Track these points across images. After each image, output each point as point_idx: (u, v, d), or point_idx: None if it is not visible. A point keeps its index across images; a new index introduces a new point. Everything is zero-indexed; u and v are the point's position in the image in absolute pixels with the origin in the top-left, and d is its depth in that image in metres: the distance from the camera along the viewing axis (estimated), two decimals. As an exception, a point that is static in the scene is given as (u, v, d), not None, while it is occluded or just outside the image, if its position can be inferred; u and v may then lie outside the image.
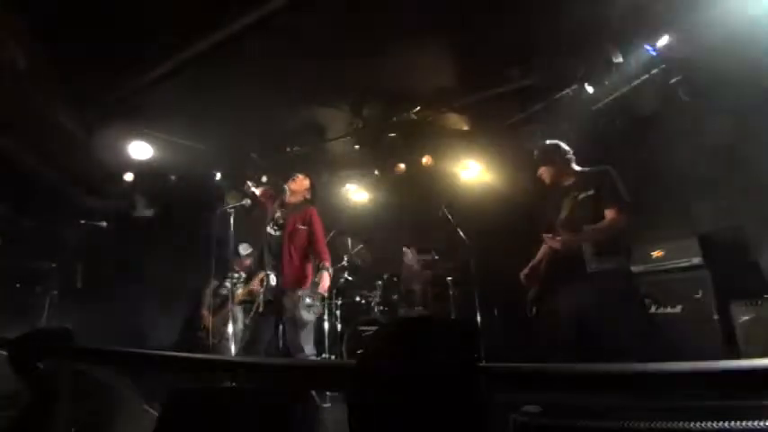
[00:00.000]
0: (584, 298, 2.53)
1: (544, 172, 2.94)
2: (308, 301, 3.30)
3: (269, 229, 3.61)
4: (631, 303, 2.62)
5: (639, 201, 2.61)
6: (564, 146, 2.94)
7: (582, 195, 2.71)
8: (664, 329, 3.24)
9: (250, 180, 4.13)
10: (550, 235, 2.68)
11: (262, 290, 3.41)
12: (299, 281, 3.45)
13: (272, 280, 3.41)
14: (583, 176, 2.83)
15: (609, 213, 2.57)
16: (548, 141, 3.03)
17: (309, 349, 3.31)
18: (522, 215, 4.13)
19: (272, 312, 3.38)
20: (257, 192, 3.96)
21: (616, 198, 2.59)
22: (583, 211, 2.64)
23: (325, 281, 3.45)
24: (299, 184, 3.70)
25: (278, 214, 3.64)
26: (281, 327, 3.41)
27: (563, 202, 2.84)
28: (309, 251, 3.61)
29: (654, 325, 3.13)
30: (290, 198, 3.69)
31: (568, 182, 2.86)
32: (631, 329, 2.43)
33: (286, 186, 3.67)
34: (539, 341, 2.90)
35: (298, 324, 3.26)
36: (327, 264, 3.54)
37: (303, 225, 3.60)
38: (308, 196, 3.78)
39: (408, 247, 5.34)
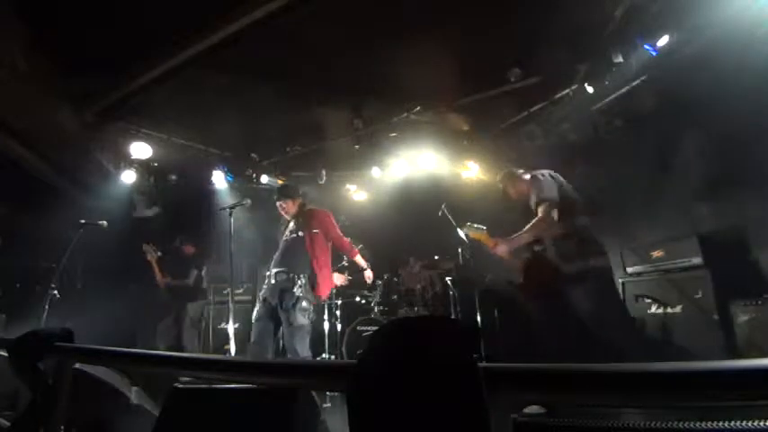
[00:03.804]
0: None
1: (513, 194, 3.30)
2: (303, 304, 3.26)
3: (285, 236, 3.54)
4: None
5: (639, 201, 2.60)
6: (515, 170, 3.27)
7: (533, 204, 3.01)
8: (664, 329, 3.24)
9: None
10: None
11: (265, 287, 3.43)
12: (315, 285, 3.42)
13: (273, 279, 3.38)
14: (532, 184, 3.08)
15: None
16: (505, 170, 3.33)
17: (303, 351, 3.26)
18: (522, 214, 4.14)
19: (268, 313, 3.35)
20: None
21: (541, 199, 2.88)
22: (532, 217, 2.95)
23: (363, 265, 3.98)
24: (290, 207, 3.61)
25: (292, 225, 3.57)
26: (280, 330, 3.38)
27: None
28: (325, 253, 3.55)
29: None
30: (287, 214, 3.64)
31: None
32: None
33: (282, 210, 3.62)
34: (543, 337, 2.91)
35: (293, 327, 3.22)
36: (355, 251, 3.85)
37: (316, 229, 3.52)
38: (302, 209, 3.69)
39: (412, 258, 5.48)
